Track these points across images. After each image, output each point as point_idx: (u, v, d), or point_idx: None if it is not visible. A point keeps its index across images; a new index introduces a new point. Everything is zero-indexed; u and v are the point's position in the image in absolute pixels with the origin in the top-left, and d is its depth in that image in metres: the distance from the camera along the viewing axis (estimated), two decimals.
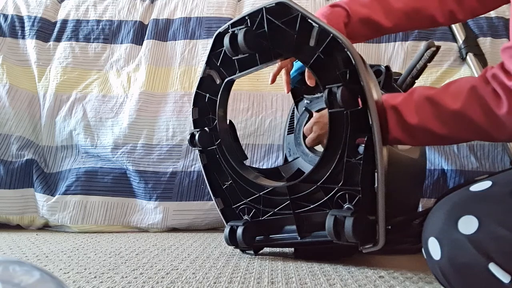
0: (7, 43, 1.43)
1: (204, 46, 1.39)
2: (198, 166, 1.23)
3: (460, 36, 1.27)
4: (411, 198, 0.90)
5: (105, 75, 1.40)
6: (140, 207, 1.23)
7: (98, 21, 1.49)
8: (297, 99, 1.01)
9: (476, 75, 1.21)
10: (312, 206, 0.70)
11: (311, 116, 0.89)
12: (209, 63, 0.84)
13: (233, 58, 0.77)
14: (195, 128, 0.87)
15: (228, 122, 0.88)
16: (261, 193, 0.78)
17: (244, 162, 0.85)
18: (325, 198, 0.68)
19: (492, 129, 0.56)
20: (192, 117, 0.87)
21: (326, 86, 0.64)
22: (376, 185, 0.62)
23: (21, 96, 1.35)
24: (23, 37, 1.45)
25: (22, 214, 1.25)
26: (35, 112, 1.36)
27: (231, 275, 0.65)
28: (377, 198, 0.62)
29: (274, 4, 0.72)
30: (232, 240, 0.79)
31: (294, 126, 0.98)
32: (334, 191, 0.67)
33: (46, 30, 1.47)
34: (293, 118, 1.02)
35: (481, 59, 1.23)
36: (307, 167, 0.90)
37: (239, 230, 0.77)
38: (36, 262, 0.76)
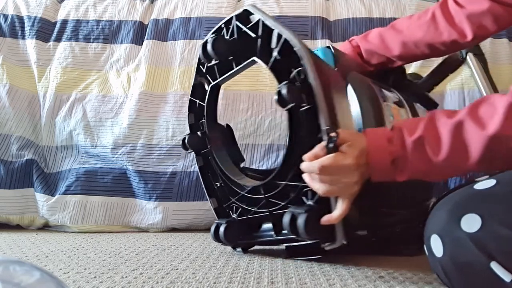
0: (7, 43, 1.43)
1: None
2: (198, 167, 1.23)
3: None
4: (417, 196, 0.86)
5: (105, 75, 1.40)
6: (140, 207, 1.23)
7: (98, 21, 1.49)
8: None
9: (476, 75, 1.21)
10: (283, 204, 0.72)
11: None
12: (198, 71, 0.90)
13: (207, 64, 0.84)
14: (191, 132, 0.93)
15: (225, 126, 0.93)
16: (243, 192, 0.80)
17: (244, 162, 0.88)
18: (292, 196, 0.70)
19: None
20: (189, 122, 0.94)
21: (278, 86, 0.66)
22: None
23: (21, 96, 1.35)
24: (23, 37, 1.45)
25: (22, 214, 1.25)
26: (35, 112, 1.36)
27: (231, 275, 0.65)
28: (331, 198, 0.63)
29: (242, 11, 0.78)
30: (216, 237, 0.81)
31: None
32: (298, 188, 0.68)
33: (46, 30, 1.47)
34: None
35: (481, 59, 1.23)
36: None
37: (222, 228, 0.80)
38: (36, 262, 0.76)
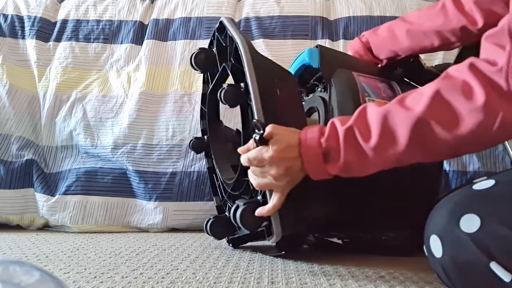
0: (7, 43, 1.42)
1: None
2: (197, 166, 1.23)
3: None
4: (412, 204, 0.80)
5: (105, 75, 1.40)
6: (140, 207, 1.23)
7: (98, 21, 1.49)
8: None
9: None
10: (248, 199, 0.75)
11: None
12: (205, 81, 0.99)
13: (198, 74, 0.92)
14: (202, 135, 1.03)
15: (236, 131, 1.01)
16: (229, 190, 0.85)
17: None
18: (251, 191, 0.73)
19: (467, 138, 0.49)
20: (201, 127, 1.04)
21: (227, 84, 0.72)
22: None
23: (21, 96, 1.35)
24: (23, 37, 1.45)
25: (22, 214, 1.25)
26: (35, 112, 1.36)
27: (231, 275, 0.65)
28: (266, 195, 0.66)
29: (219, 23, 0.83)
30: (207, 231, 0.86)
31: None
32: (253, 186, 0.71)
33: (46, 30, 1.47)
34: None
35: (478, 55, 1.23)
36: None
37: (208, 224, 0.84)
38: (36, 262, 0.76)
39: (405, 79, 0.88)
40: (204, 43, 1.38)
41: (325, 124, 0.62)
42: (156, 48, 1.41)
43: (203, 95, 0.99)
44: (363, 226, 0.81)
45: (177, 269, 0.69)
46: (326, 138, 0.58)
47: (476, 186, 0.50)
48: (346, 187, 0.65)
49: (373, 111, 0.55)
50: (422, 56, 0.88)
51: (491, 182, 0.49)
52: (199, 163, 1.23)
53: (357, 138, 0.56)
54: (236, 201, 0.73)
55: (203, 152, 1.04)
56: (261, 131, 0.62)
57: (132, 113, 1.28)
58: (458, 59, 0.96)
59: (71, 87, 1.37)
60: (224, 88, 0.71)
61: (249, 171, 0.67)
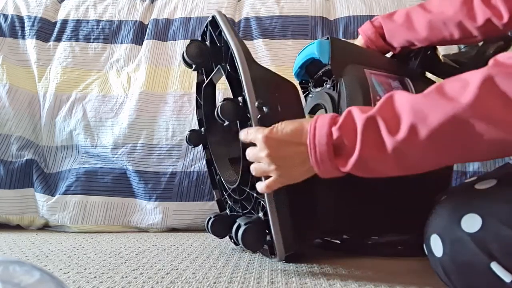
0: (7, 43, 1.42)
1: None
2: (197, 166, 1.23)
3: None
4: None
5: (105, 75, 1.40)
6: (140, 207, 1.23)
7: (98, 21, 1.49)
8: (305, 93, 0.97)
9: None
10: (248, 209, 0.74)
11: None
12: (197, 70, 0.92)
13: (191, 70, 0.84)
14: (200, 127, 0.96)
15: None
16: (229, 191, 0.83)
17: None
18: (252, 203, 0.71)
19: None
20: (197, 117, 0.97)
21: (222, 100, 0.66)
22: (263, 202, 0.64)
23: (21, 96, 1.35)
24: (23, 37, 1.45)
25: (22, 214, 1.25)
26: (35, 112, 1.36)
27: (231, 275, 0.65)
28: (268, 214, 0.63)
29: (211, 18, 0.78)
30: (208, 229, 0.84)
31: None
32: (254, 199, 0.70)
33: (46, 30, 1.47)
34: None
35: None
36: None
37: (209, 223, 0.82)
38: (36, 262, 0.76)
39: (418, 73, 0.82)
40: None
41: None
42: (156, 48, 1.41)
43: (198, 85, 0.95)
44: (367, 229, 0.80)
45: (177, 269, 0.69)
46: (339, 126, 0.50)
47: (477, 186, 0.50)
48: (351, 190, 0.62)
49: (404, 100, 0.46)
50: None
51: (492, 182, 0.49)
52: (199, 163, 1.23)
53: (380, 130, 0.47)
54: (237, 220, 0.70)
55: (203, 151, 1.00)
56: (264, 112, 0.59)
57: (132, 113, 1.29)
58: (479, 54, 0.91)
59: (71, 87, 1.38)
60: (222, 103, 0.66)
61: (246, 154, 0.62)
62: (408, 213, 0.71)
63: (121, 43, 1.45)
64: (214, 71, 0.81)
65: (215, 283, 0.60)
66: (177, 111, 1.29)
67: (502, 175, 0.50)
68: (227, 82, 0.73)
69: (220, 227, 0.83)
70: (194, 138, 0.94)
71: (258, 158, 0.58)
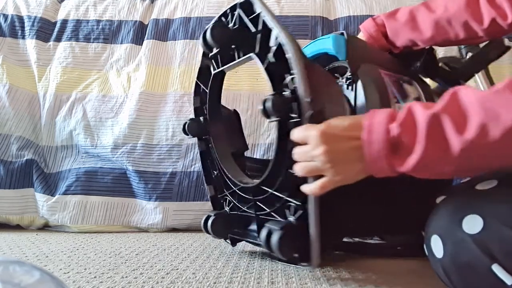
0: (7, 43, 1.42)
1: None
2: (198, 166, 1.23)
3: None
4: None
5: (105, 75, 1.40)
6: (140, 207, 1.23)
7: (98, 21, 1.49)
8: None
9: (476, 75, 1.21)
10: (268, 211, 0.69)
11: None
12: (205, 54, 0.85)
13: (209, 54, 0.78)
14: (196, 116, 0.89)
15: (233, 112, 0.89)
16: (236, 189, 0.78)
17: (247, 152, 0.86)
18: (277, 206, 0.67)
19: None
20: (194, 105, 0.90)
21: (267, 96, 0.61)
22: (307, 204, 0.59)
23: (21, 96, 1.35)
24: (23, 37, 1.45)
25: (22, 214, 1.25)
26: (35, 112, 1.36)
27: (231, 275, 0.65)
28: (309, 217, 0.59)
29: (243, 0, 0.71)
30: (206, 228, 0.80)
31: None
32: (282, 200, 0.65)
33: (46, 30, 1.47)
34: None
35: None
36: None
37: (210, 221, 0.79)
38: (36, 262, 0.76)
39: (418, 75, 0.81)
40: None
41: None
42: (156, 48, 1.41)
43: (201, 70, 0.88)
44: (368, 231, 0.79)
45: (177, 269, 0.69)
46: (399, 124, 0.46)
47: (478, 187, 0.49)
48: (353, 191, 0.59)
49: (471, 97, 0.43)
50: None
51: (493, 183, 0.48)
52: (199, 163, 1.22)
53: (445, 129, 0.43)
54: (266, 224, 0.65)
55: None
56: (315, 108, 0.55)
57: (132, 113, 1.28)
58: (476, 59, 0.90)
59: (71, 87, 1.38)
60: (272, 97, 0.60)
61: (294, 154, 0.57)
62: (408, 213, 0.71)
63: (121, 43, 1.45)
64: (241, 59, 0.74)
65: (215, 283, 0.60)
66: (177, 111, 1.29)
67: (503, 175, 0.49)
68: (266, 74, 0.66)
69: (222, 226, 0.80)
70: (194, 128, 0.88)
71: (311, 156, 0.53)
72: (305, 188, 0.56)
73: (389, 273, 0.66)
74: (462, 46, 1.25)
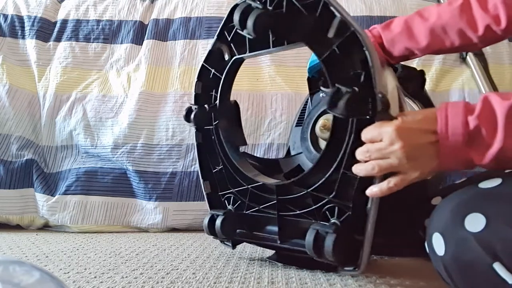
0: (7, 43, 1.42)
1: (204, 46, 1.38)
2: (197, 166, 1.22)
3: None
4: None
5: (105, 75, 1.40)
6: (140, 207, 1.23)
7: (98, 21, 1.49)
8: (312, 91, 0.93)
9: (477, 75, 1.21)
10: (298, 212, 0.66)
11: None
12: (221, 36, 0.77)
13: (238, 32, 0.70)
14: (195, 103, 0.82)
15: (233, 103, 0.83)
16: (249, 186, 0.73)
17: (245, 147, 0.81)
18: (313, 207, 0.63)
19: None
20: (195, 91, 0.83)
21: (336, 84, 0.57)
22: (368, 205, 0.57)
23: (21, 96, 1.35)
24: (23, 37, 1.45)
25: (22, 214, 1.25)
26: (35, 112, 1.36)
27: (231, 275, 0.65)
28: (367, 220, 0.57)
29: None
30: (211, 229, 0.75)
31: (304, 119, 0.90)
32: (323, 201, 0.62)
33: (46, 30, 1.46)
34: (305, 109, 0.95)
35: (481, 59, 1.23)
36: (307, 165, 0.85)
37: (218, 220, 0.73)
38: (36, 262, 0.76)
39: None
40: (205, 43, 1.39)
41: None
42: (156, 48, 1.41)
43: (211, 53, 0.79)
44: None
45: (177, 269, 0.69)
46: (476, 116, 0.46)
47: (482, 185, 0.49)
48: None
49: None
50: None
51: (497, 181, 0.48)
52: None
53: None
54: (311, 226, 0.61)
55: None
56: (385, 105, 0.52)
57: (132, 113, 1.28)
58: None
59: (71, 87, 1.37)
60: (347, 94, 0.55)
61: (358, 153, 0.55)
62: (407, 213, 0.70)
63: (121, 43, 1.45)
64: (289, 45, 0.67)
65: (215, 283, 0.60)
66: (177, 111, 1.29)
67: (507, 174, 0.49)
68: (323, 66, 0.62)
69: (232, 227, 0.74)
70: (200, 117, 0.79)
71: (386, 153, 0.51)
72: (374, 188, 0.54)
73: (389, 273, 0.66)
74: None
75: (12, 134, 1.30)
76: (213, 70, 0.80)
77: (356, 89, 0.55)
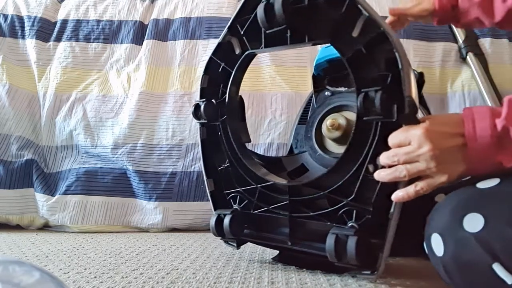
0: (7, 43, 1.42)
1: (204, 46, 1.38)
2: (198, 166, 1.23)
3: (460, 36, 1.27)
4: None
5: (105, 75, 1.40)
6: (140, 207, 1.23)
7: (98, 21, 1.49)
8: (317, 89, 0.91)
9: (477, 75, 1.21)
10: (311, 214, 0.64)
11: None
12: (232, 29, 0.75)
13: (267, 31, 0.67)
14: (201, 98, 0.79)
15: (240, 99, 0.81)
16: (258, 186, 0.71)
17: (248, 144, 0.78)
18: (329, 209, 0.62)
19: None
20: (201, 85, 0.79)
21: (362, 90, 0.56)
22: (392, 210, 0.56)
23: (21, 96, 1.35)
24: (23, 37, 1.45)
25: (22, 214, 1.25)
26: (35, 112, 1.36)
27: (231, 275, 0.65)
28: (389, 224, 0.56)
29: None
30: (218, 230, 0.73)
31: (308, 118, 0.89)
32: (341, 204, 0.61)
33: (46, 30, 1.47)
34: (309, 108, 0.94)
35: (481, 59, 1.23)
36: (312, 164, 0.84)
37: (227, 219, 0.71)
38: (36, 262, 0.76)
39: None
40: (205, 43, 1.39)
41: None
42: (156, 48, 1.41)
43: (221, 46, 0.76)
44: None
45: (177, 269, 0.69)
46: (504, 117, 0.47)
47: (480, 185, 0.49)
48: None
49: None
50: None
51: (495, 181, 0.48)
52: (199, 163, 1.23)
53: None
54: (332, 230, 0.59)
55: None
56: (412, 110, 0.52)
57: (132, 113, 1.28)
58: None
59: (71, 87, 1.37)
60: (376, 92, 0.54)
61: (384, 158, 0.54)
62: (409, 211, 0.70)
63: (121, 43, 1.45)
64: (308, 43, 0.65)
65: (215, 283, 0.60)
66: (177, 111, 1.29)
67: (505, 174, 0.49)
68: (347, 64, 0.60)
69: (241, 227, 0.73)
70: (210, 111, 0.76)
71: (414, 156, 0.51)
72: (399, 193, 0.54)
73: (389, 273, 0.66)
74: (462, 46, 1.26)
75: (12, 134, 1.30)
76: (223, 64, 0.77)
77: (382, 92, 0.55)
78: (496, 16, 0.72)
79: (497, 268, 0.42)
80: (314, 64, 0.87)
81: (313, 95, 0.93)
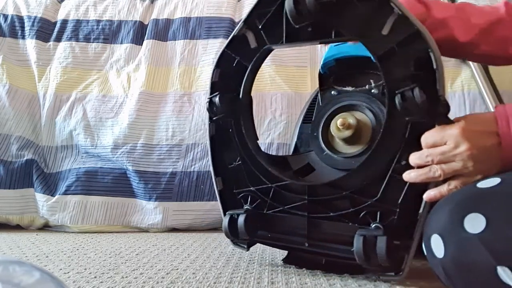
0: (7, 43, 1.42)
1: (204, 46, 1.39)
2: (197, 166, 1.23)
3: None
4: None
5: (105, 75, 1.40)
6: (140, 207, 1.23)
7: (98, 21, 1.49)
8: (323, 87, 0.89)
9: (477, 75, 1.21)
10: (332, 215, 0.62)
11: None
12: (249, 22, 0.71)
13: (296, 26, 0.64)
14: (212, 92, 0.75)
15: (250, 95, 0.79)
16: (273, 185, 0.68)
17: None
18: (351, 210, 0.61)
19: None
20: (212, 79, 0.75)
21: (397, 92, 0.55)
22: (421, 210, 0.55)
23: (21, 96, 1.35)
24: (23, 37, 1.45)
25: (22, 214, 1.25)
26: (35, 112, 1.36)
27: (231, 275, 0.65)
28: (417, 225, 0.55)
29: None
30: (232, 231, 0.69)
31: (314, 117, 0.87)
32: (365, 204, 0.59)
33: (46, 30, 1.47)
34: (313, 106, 0.92)
35: None
36: (318, 164, 0.81)
37: (241, 219, 0.68)
38: (36, 262, 0.76)
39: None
40: (205, 43, 1.39)
41: None
42: (156, 48, 1.41)
43: (235, 39, 0.72)
44: None
45: (177, 269, 0.69)
46: None
47: (480, 184, 0.48)
48: None
49: None
50: None
51: (496, 181, 0.47)
52: (199, 163, 1.23)
53: None
54: (359, 232, 0.58)
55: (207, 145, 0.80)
56: (446, 110, 0.52)
57: (132, 113, 1.29)
58: None
59: (71, 87, 1.38)
60: (415, 91, 0.53)
61: (416, 158, 0.54)
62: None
63: (121, 43, 1.45)
64: (335, 39, 0.64)
65: (215, 283, 0.60)
66: (177, 111, 1.29)
67: (506, 173, 0.48)
68: (378, 62, 0.59)
69: (255, 226, 0.70)
70: (225, 105, 0.73)
71: (450, 156, 0.51)
72: (431, 192, 0.54)
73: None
74: None
75: (12, 134, 1.30)
76: (238, 58, 0.73)
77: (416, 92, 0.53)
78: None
79: (501, 270, 0.41)
80: (321, 62, 0.86)
81: (319, 94, 0.91)
